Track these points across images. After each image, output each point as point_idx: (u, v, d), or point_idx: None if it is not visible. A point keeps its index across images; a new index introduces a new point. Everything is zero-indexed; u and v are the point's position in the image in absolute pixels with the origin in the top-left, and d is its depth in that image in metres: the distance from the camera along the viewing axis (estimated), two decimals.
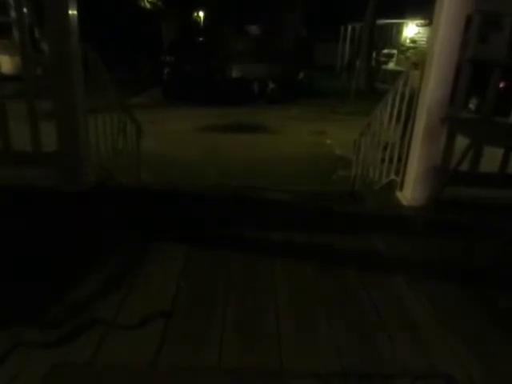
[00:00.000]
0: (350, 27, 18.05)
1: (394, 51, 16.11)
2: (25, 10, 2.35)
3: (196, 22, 20.31)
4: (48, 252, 1.92)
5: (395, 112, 2.90)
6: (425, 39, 14.47)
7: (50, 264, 1.83)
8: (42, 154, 2.58)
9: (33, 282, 1.69)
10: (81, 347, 1.35)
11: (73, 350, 1.34)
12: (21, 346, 1.33)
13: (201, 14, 20.38)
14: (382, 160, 3.16)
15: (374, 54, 14.87)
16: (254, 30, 16.73)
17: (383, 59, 15.90)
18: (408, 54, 15.31)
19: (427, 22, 13.82)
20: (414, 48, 15.47)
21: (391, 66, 15.62)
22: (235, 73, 11.22)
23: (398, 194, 2.70)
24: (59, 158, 2.53)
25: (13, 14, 2.37)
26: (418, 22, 15.34)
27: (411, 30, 16.02)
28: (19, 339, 1.35)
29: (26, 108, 2.47)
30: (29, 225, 2.16)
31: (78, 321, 1.45)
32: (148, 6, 17.95)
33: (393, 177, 2.86)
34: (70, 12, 2.26)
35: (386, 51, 16.12)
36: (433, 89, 2.37)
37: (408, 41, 16.07)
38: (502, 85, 4.45)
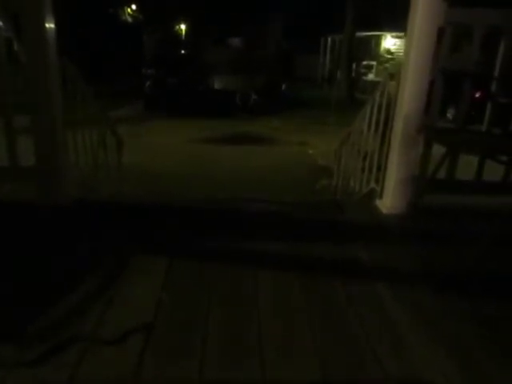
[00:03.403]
0: (329, 39, 18.39)
1: (373, 63, 16.52)
2: (1, 23, 2.32)
3: (178, 34, 20.44)
4: (27, 267, 1.88)
5: (373, 121, 2.95)
6: (402, 51, 14.86)
7: (30, 280, 1.78)
8: (20, 168, 2.54)
9: (11, 299, 1.64)
10: (61, 364, 1.32)
11: (52, 367, 1.31)
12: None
13: (182, 27, 20.54)
14: (363, 169, 3.20)
15: (354, 66, 15.21)
16: (236, 42, 16.93)
17: (363, 70, 16.29)
18: (386, 65, 15.70)
19: (404, 34, 14.19)
20: (392, 59, 15.89)
21: (371, 76, 15.99)
22: (217, 85, 11.30)
23: (378, 203, 2.74)
24: (38, 172, 2.49)
25: None
26: (395, 34, 15.77)
27: (389, 42, 16.47)
28: None
29: (3, 121, 2.43)
30: (6, 240, 2.11)
31: (58, 337, 1.41)
32: (129, 19, 18.03)
33: (373, 185, 2.90)
34: (47, 25, 2.25)
35: (365, 63, 16.52)
36: (408, 99, 2.43)
37: (386, 52, 16.51)
38: (477, 94, 4.58)
